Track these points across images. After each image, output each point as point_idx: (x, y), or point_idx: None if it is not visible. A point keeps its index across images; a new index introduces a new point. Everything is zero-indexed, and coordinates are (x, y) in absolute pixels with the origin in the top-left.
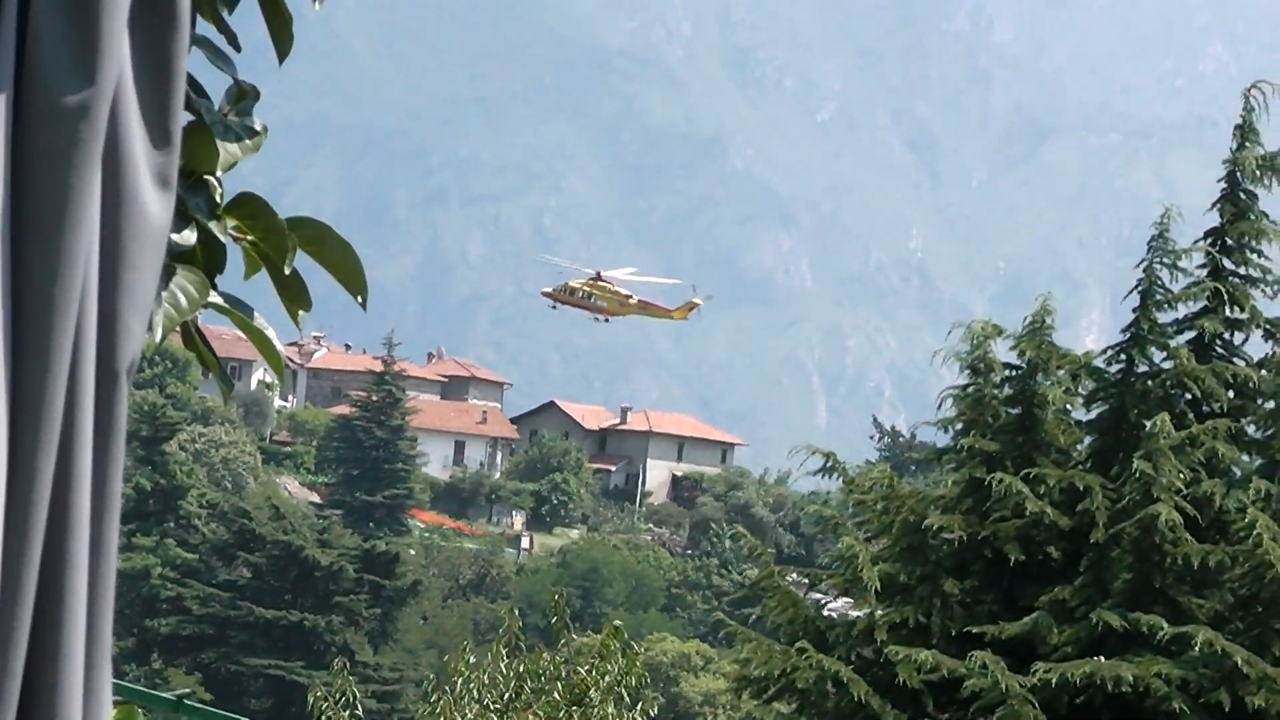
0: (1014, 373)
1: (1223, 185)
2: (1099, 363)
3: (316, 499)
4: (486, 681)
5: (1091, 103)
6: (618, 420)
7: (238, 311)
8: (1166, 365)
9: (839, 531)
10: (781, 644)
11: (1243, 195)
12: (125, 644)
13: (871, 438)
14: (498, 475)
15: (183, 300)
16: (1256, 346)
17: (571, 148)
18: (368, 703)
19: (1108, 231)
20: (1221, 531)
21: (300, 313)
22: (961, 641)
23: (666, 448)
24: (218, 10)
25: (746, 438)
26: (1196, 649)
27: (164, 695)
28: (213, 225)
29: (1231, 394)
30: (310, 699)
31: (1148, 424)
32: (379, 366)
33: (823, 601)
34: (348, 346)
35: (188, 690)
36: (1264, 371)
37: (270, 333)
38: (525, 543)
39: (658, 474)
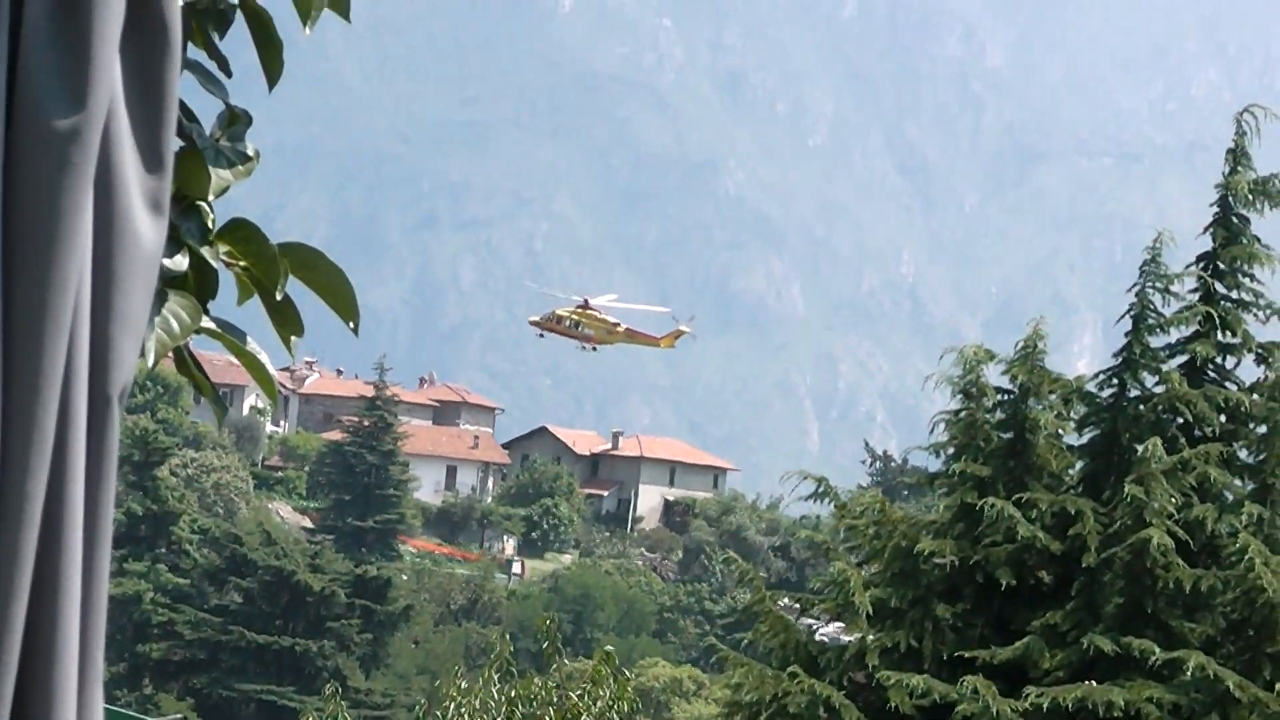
0: (1006, 397)
1: (1215, 209)
2: (1091, 387)
3: (308, 524)
4: (478, 706)
5: (1083, 126)
6: (609, 445)
7: (230, 336)
8: (1158, 389)
9: (831, 556)
10: (773, 669)
11: (1235, 219)
12: (117, 669)
13: (863, 462)
14: (489, 500)
15: (175, 325)
16: (1249, 371)
17: (563, 172)
18: None
19: (1100, 256)
20: (1213, 556)
21: (292, 338)
22: (953, 666)
23: (658, 473)
24: (209, 35)
25: (738, 463)
26: (1188, 673)
27: None
28: (205, 250)
29: (1223, 418)
30: None
31: (1139, 448)
32: (371, 391)
33: (814, 626)
34: (340, 371)
35: (179, 716)
36: (1256, 396)
37: (263, 357)
38: (517, 568)
39: (649, 499)
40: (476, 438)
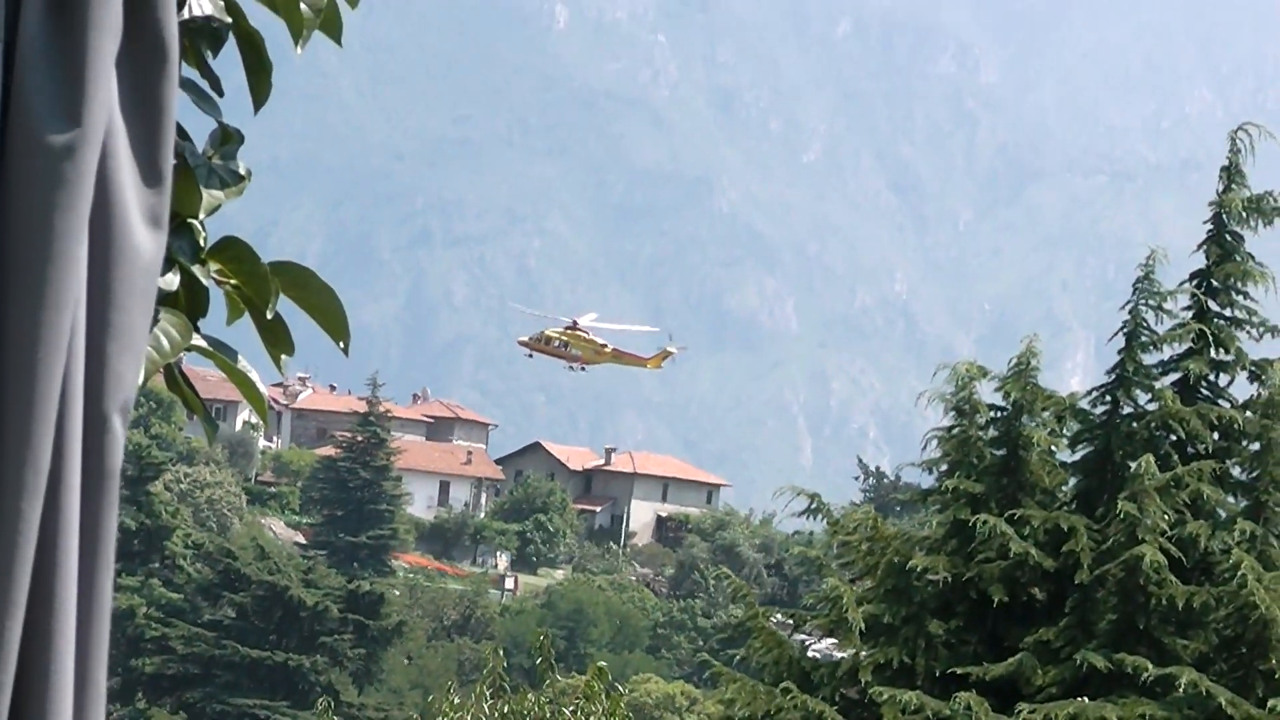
0: (999, 414)
1: (1209, 227)
2: (1084, 404)
3: (301, 539)
4: None
5: (1077, 145)
6: (602, 461)
7: (221, 354)
8: (1151, 407)
9: (823, 572)
10: (766, 685)
11: (1229, 237)
12: (110, 684)
13: (856, 479)
14: (482, 516)
15: (165, 343)
16: (1242, 388)
17: (556, 189)
18: None
19: (1093, 273)
20: (1206, 573)
21: (283, 356)
22: (946, 682)
23: (651, 488)
24: (201, 54)
25: (731, 479)
26: (1181, 690)
27: None
28: (196, 269)
29: (1217, 435)
30: None
31: (1133, 465)
32: (364, 407)
33: (807, 642)
34: (333, 387)
35: None
36: (1249, 413)
37: (254, 376)
38: (510, 583)
39: (642, 515)
40: (470, 453)
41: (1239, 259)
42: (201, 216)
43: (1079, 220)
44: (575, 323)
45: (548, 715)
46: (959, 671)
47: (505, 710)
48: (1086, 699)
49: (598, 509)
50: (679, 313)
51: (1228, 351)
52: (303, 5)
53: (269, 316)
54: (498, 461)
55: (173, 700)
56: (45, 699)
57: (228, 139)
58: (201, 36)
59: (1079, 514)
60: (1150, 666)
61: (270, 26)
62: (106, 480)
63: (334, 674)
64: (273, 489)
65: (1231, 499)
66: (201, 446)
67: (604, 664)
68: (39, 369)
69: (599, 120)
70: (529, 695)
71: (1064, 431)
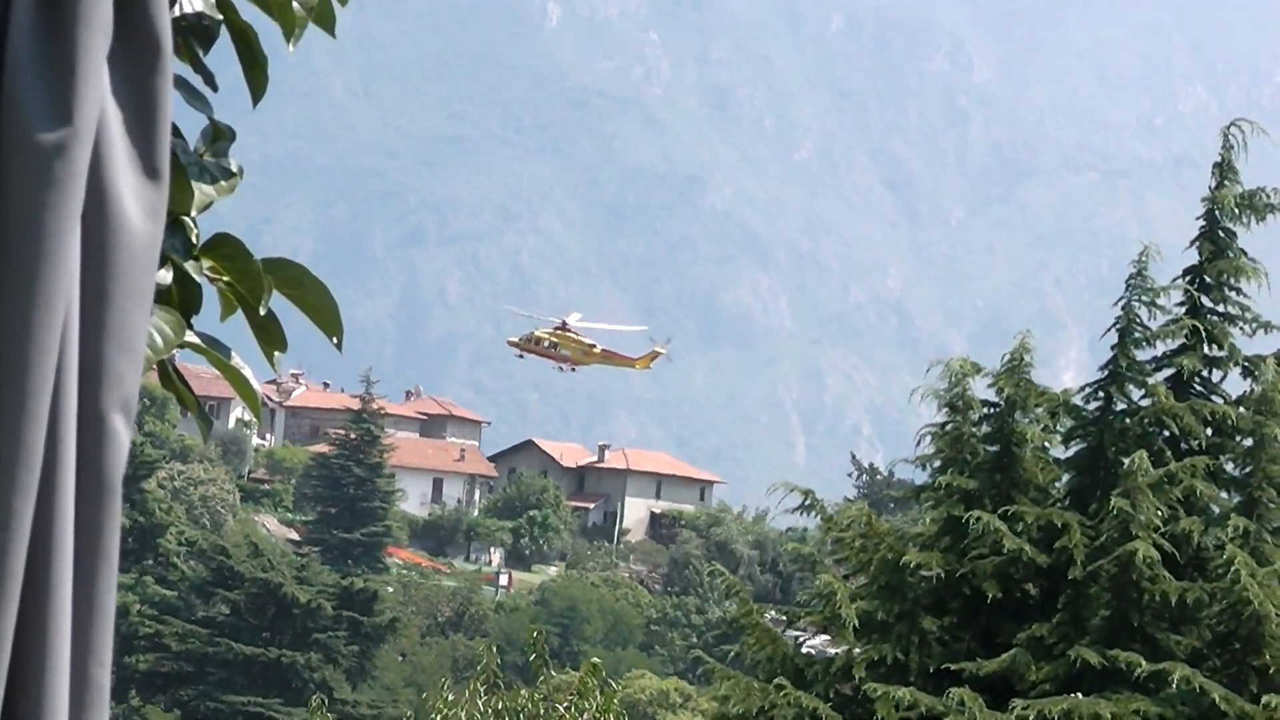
0: (992, 410)
1: (1201, 223)
2: (1077, 400)
3: (295, 536)
4: (465, 719)
5: (1070, 142)
6: (596, 458)
7: (214, 351)
8: (1145, 403)
9: (817, 569)
10: (760, 681)
11: (1221, 233)
12: None
13: (850, 475)
14: (476, 513)
15: (158, 340)
16: (1235, 384)
17: (549, 187)
18: None
19: (1086, 270)
20: (1199, 569)
21: (276, 353)
22: (939, 679)
23: (644, 485)
24: (194, 50)
25: (725, 476)
26: (1174, 686)
27: None
28: (188, 266)
29: (1210, 431)
30: None
31: (1126, 461)
32: (357, 404)
33: (801, 639)
34: (326, 385)
35: None
36: (1242, 409)
37: (247, 372)
38: (503, 580)
39: (636, 512)
40: (463, 450)
41: (1232, 255)
42: (194, 213)
43: (1072, 217)
44: (565, 323)
45: (541, 712)
46: (953, 667)
47: (499, 707)
48: (1080, 695)
49: (591, 506)
50: (672, 310)
51: (1221, 347)
52: (295, 3)
53: (262, 313)
54: (491, 459)
55: (166, 698)
56: (40, 697)
57: (219, 136)
58: (193, 34)
59: (1072, 510)
60: (1144, 662)
61: (259, 23)
62: (104, 478)
63: (328, 671)
64: (266, 486)
65: (1225, 495)
66: (195, 444)
67: (598, 660)
68: (30, 367)
69: (592, 118)
70: (523, 692)
71: (1057, 428)
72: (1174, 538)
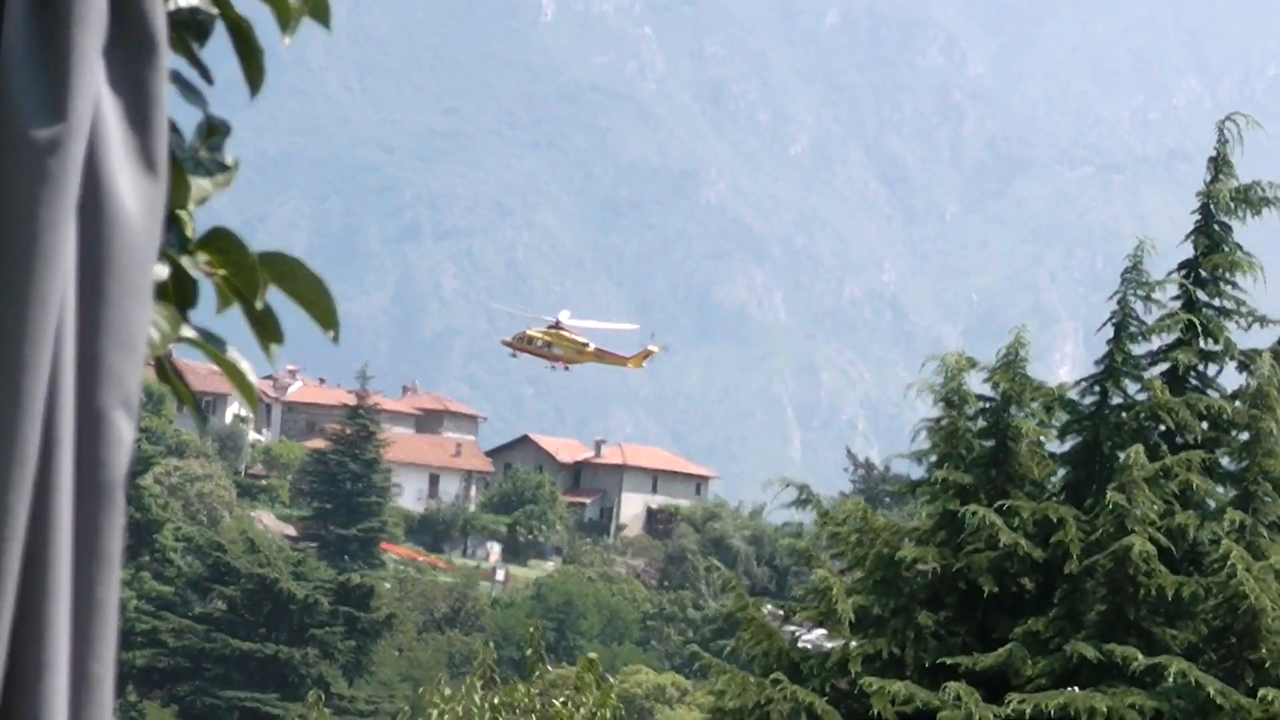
0: (987, 405)
1: (1196, 217)
2: (1073, 395)
3: (291, 532)
4: (461, 714)
5: (1064, 136)
6: (592, 453)
7: (211, 345)
8: (1140, 397)
9: (813, 564)
10: (756, 676)
11: (1216, 227)
12: None
13: (845, 470)
14: (472, 508)
15: (155, 335)
16: (1231, 378)
17: (544, 182)
18: None
19: (1081, 265)
20: (1195, 563)
21: (273, 347)
22: (935, 673)
23: (640, 481)
24: (189, 43)
25: (721, 471)
26: (1170, 680)
27: None
28: (184, 260)
29: (1205, 425)
30: None
31: (1121, 456)
32: (353, 400)
33: (797, 633)
34: (322, 380)
35: None
36: (1238, 403)
37: (244, 366)
38: (500, 575)
39: (632, 507)
40: (459, 446)
41: (1227, 249)
42: (190, 207)
43: (1067, 212)
44: (558, 322)
45: (538, 707)
46: (948, 662)
47: (495, 702)
48: (1076, 689)
49: (587, 501)
50: (667, 305)
51: (1216, 341)
52: None
53: (258, 307)
54: (487, 454)
55: (163, 693)
56: (38, 696)
57: (215, 130)
58: (187, 29)
59: (1068, 505)
60: (1139, 657)
61: (254, 18)
62: (104, 474)
63: (324, 666)
64: (262, 482)
65: (1220, 489)
66: (192, 440)
67: (594, 655)
68: (25, 364)
69: (586, 113)
70: (519, 687)
71: (1053, 422)
72: (1170, 532)
